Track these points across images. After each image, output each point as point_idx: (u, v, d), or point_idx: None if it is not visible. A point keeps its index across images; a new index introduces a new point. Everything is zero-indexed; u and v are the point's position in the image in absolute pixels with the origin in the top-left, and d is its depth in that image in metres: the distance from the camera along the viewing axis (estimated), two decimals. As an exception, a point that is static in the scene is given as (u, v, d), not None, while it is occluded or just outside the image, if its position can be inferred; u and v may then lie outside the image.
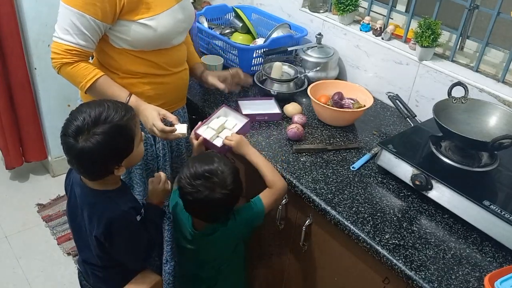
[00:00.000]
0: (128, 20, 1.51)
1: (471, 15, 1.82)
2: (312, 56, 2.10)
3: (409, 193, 1.53)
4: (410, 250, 1.32)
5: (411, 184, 1.50)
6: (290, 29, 2.27)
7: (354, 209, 1.45)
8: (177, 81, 1.72)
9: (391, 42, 2.03)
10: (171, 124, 1.53)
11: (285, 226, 1.70)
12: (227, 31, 2.36)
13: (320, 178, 1.57)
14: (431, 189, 1.46)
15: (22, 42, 2.54)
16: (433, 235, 1.38)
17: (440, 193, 1.44)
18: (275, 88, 1.99)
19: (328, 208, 1.45)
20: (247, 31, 2.32)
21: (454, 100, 1.63)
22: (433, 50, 1.88)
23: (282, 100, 1.95)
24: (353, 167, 1.63)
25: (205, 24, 2.33)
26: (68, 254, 2.47)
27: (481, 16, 1.88)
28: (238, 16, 2.33)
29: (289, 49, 2.15)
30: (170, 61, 1.65)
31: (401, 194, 1.53)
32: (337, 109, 1.82)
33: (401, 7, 2.12)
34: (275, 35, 2.21)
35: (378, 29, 2.06)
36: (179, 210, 1.54)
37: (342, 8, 2.12)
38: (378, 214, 1.44)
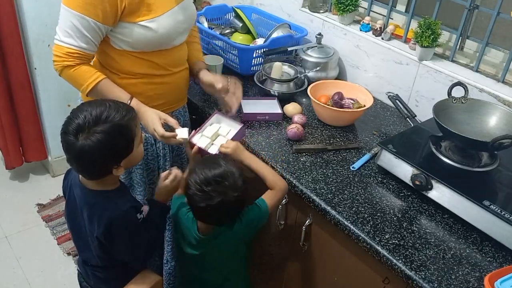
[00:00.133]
0: (129, 22, 1.51)
1: (471, 15, 1.82)
2: (312, 56, 2.10)
3: (409, 193, 1.53)
4: (410, 250, 1.32)
5: (411, 184, 1.50)
6: (290, 29, 2.27)
7: (354, 209, 1.45)
8: (177, 81, 1.72)
9: (391, 42, 2.03)
10: (172, 129, 1.53)
11: (285, 226, 1.70)
12: (227, 31, 2.36)
13: (320, 178, 1.57)
14: (431, 189, 1.46)
15: (22, 42, 2.54)
16: (433, 235, 1.38)
17: (440, 193, 1.44)
18: (275, 88, 2.00)
19: (328, 208, 1.45)
20: (247, 31, 2.32)
21: (454, 100, 1.63)
22: (433, 50, 1.88)
23: (282, 100, 1.95)
24: (353, 167, 1.63)
25: (205, 24, 2.33)
26: (68, 254, 2.47)
27: (481, 16, 1.88)
28: (238, 16, 2.33)
29: (289, 49, 2.15)
30: (170, 62, 1.66)
31: (401, 194, 1.53)
32: (337, 109, 1.82)
33: (401, 7, 2.12)
34: (275, 35, 2.21)
35: (378, 29, 2.06)
36: (182, 216, 1.52)
37: (342, 8, 2.12)
38: (378, 214, 1.44)
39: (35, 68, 2.60)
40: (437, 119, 1.52)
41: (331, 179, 1.57)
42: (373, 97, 1.87)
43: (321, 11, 2.29)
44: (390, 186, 1.56)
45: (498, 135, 1.41)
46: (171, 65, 1.66)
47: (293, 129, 1.73)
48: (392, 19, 2.14)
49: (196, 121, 1.89)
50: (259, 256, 1.87)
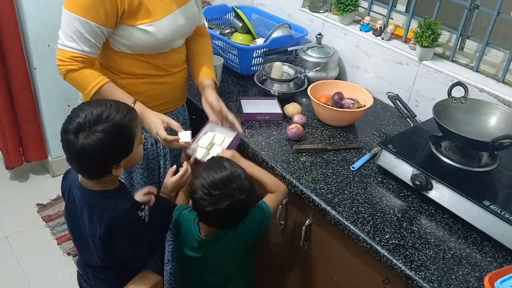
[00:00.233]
0: (128, 25, 1.51)
1: (471, 15, 1.82)
2: (312, 56, 2.10)
3: (409, 193, 1.53)
4: (410, 250, 1.32)
5: (411, 184, 1.50)
6: (290, 29, 2.27)
7: (354, 209, 1.45)
8: (177, 81, 1.72)
9: (391, 42, 2.03)
10: (175, 132, 1.53)
11: (285, 226, 1.70)
12: (227, 31, 2.36)
13: (320, 178, 1.57)
14: (431, 189, 1.46)
15: (22, 42, 2.54)
16: (433, 235, 1.38)
17: (440, 193, 1.44)
18: (275, 88, 2.00)
19: (328, 208, 1.45)
20: (247, 31, 2.32)
21: (454, 100, 1.63)
22: (433, 50, 1.88)
23: (282, 100, 1.95)
24: (353, 167, 1.63)
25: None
26: (68, 254, 2.47)
27: (481, 16, 1.88)
28: (238, 16, 2.33)
29: (289, 49, 2.15)
30: (169, 63, 1.66)
31: (401, 194, 1.53)
32: (337, 109, 1.82)
33: (401, 7, 2.12)
34: (275, 35, 2.21)
35: (378, 29, 2.06)
36: (183, 218, 1.52)
37: (342, 8, 2.12)
38: (378, 214, 1.44)
39: (35, 68, 2.60)
40: (437, 119, 1.52)
41: (331, 179, 1.57)
42: (373, 97, 1.87)
43: (321, 11, 2.29)
44: (390, 186, 1.56)
45: (498, 135, 1.41)
46: (170, 66, 1.66)
47: (293, 129, 1.73)
48: (392, 19, 2.14)
49: (196, 121, 1.89)
50: (259, 256, 1.87)
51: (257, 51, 2.12)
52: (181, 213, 1.53)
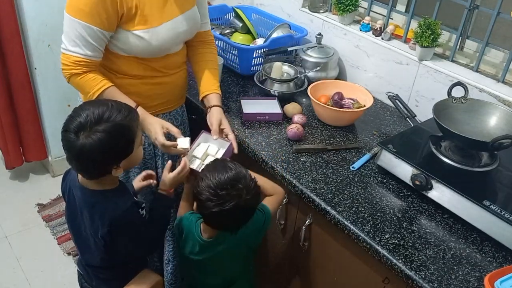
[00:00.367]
0: (124, 29, 1.52)
1: (471, 15, 1.82)
2: (312, 56, 2.10)
3: (409, 193, 1.53)
4: (410, 250, 1.32)
5: (411, 184, 1.50)
6: (290, 29, 2.27)
7: (354, 209, 1.45)
8: (175, 81, 1.72)
9: (391, 42, 2.03)
10: (175, 138, 1.54)
11: (285, 226, 1.70)
12: (227, 31, 2.36)
13: (320, 178, 1.57)
14: (431, 189, 1.46)
15: (22, 42, 2.54)
16: (433, 235, 1.38)
17: (440, 193, 1.44)
18: (275, 88, 2.00)
19: (328, 208, 1.45)
20: (247, 31, 2.32)
21: (454, 100, 1.63)
22: (433, 50, 1.88)
23: (282, 100, 1.95)
24: (353, 167, 1.63)
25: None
26: (68, 254, 2.47)
27: (481, 16, 1.88)
28: (238, 16, 2.33)
29: (289, 49, 2.15)
30: (166, 65, 1.65)
31: (401, 194, 1.53)
32: (337, 109, 1.82)
33: (401, 7, 2.12)
34: (275, 35, 2.21)
35: (378, 29, 2.06)
36: (185, 221, 1.51)
37: (342, 8, 2.12)
38: (378, 214, 1.44)
39: (35, 68, 2.60)
40: (437, 119, 1.52)
41: (331, 179, 1.58)
42: (373, 97, 1.87)
43: (321, 11, 2.29)
44: (390, 186, 1.56)
45: (498, 135, 1.41)
46: (167, 68, 1.66)
47: (293, 129, 1.73)
48: (392, 19, 2.14)
49: (195, 121, 1.89)
50: (259, 256, 1.87)
51: (257, 51, 2.12)
52: (183, 216, 1.53)
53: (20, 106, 2.70)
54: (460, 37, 1.86)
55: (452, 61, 1.90)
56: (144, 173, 1.60)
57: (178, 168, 1.47)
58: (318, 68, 2.07)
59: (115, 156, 1.30)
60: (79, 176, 1.37)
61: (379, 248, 1.32)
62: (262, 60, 2.14)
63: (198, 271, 1.57)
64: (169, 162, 1.51)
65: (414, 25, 1.93)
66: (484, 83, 1.76)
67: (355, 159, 1.68)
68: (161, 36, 1.55)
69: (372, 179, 1.59)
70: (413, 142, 1.66)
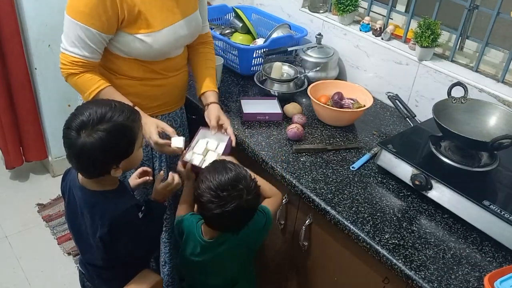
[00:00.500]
0: (125, 32, 1.52)
1: (471, 15, 1.82)
2: (312, 56, 2.10)
3: (409, 193, 1.53)
4: (410, 250, 1.32)
5: (411, 184, 1.50)
6: (290, 29, 2.28)
7: (354, 209, 1.45)
8: (175, 83, 1.72)
9: (391, 42, 2.03)
10: (169, 137, 1.53)
11: (285, 226, 1.70)
12: (227, 31, 2.36)
13: (320, 178, 1.57)
14: (431, 189, 1.46)
15: (22, 42, 2.54)
16: (433, 235, 1.38)
17: (440, 193, 1.44)
18: (275, 88, 2.00)
19: (328, 208, 1.45)
20: (247, 31, 2.32)
21: (454, 100, 1.63)
22: (432, 50, 1.88)
23: (282, 100, 1.95)
24: (353, 167, 1.63)
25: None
26: (68, 254, 2.48)
27: (481, 16, 1.88)
28: (238, 16, 2.33)
29: (289, 49, 2.15)
30: (167, 68, 1.65)
31: (401, 194, 1.53)
32: (337, 109, 1.82)
33: (401, 7, 2.12)
34: (275, 35, 2.21)
35: (378, 29, 2.06)
36: (186, 222, 1.51)
37: (342, 8, 2.12)
38: (378, 214, 1.44)
39: (35, 68, 2.60)
40: (437, 119, 1.52)
41: (331, 179, 1.58)
42: (373, 97, 1.87)
43: (321, 11, 2.29)
44: (390, 186, 1.56)
45: (498, 135, 1.41)
46: (167, 70, 1.66)
47: (293, 129, 1.73)
48: (392, 19, 2.14)
49: (195, 121, 1.89)
50: (259, 256, 1.87)
51: (257, 51, 2.12)
52: (184, 217, 1.53)
53: (20, 106, 2.70)
54: (460, 37, 1.87)
55: (452, 61, 1.90)
56: (140, 169, 1.60)
57: (164, 184, 1.48)
58: (318, 68, 2.07)
59: (116, 156, 1.30)
60: (80, 176, 1.37)
61: (379, 248, 1.32)
62: (262, 60, 2.14)
63: (199, 272, 1.57)
64: (161, 172, 1.52)
65: (414, 25, 1.94)
66: (484, 83, 1.76)
67: (355, 159, 1.68)
68: (162, 40, 1.55)
69: (372, 179, 1.59)
70: (413, 142, 1.66)
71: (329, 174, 1.60)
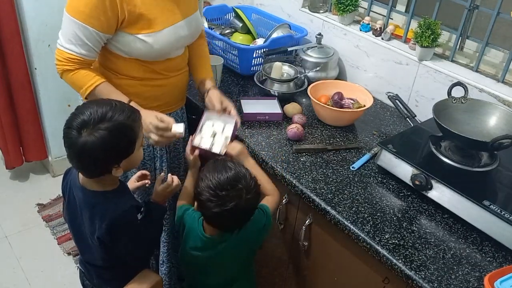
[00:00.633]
0: (126, 32, 1.52)
1: (471, 15, 1.82)
2: (312, 56, 2.10)
3: (409, 193, 1.53)
4: (410, 250, 1.32)
5: (411, 184, 1.50)
6: (290, 29, 2.28)
7: (354, 209, 1.45)
8: (176, 84, 1.72)
9: (391, 42, 2.03)
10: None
11: (285, 226, 1.70)
12: (227, 31, 2.36)
13: (320, 178, 1.57)
14: (431, 189, 1.46)
15: (22, 42, 2.54)
16: (433, 235, 1.38)
17: (440, 193, 1.44)
18: (275, 88, 2.00)
19: (328, 208, 1.45)
20: (247, 31, 2.32)
21: (454, 100, 1.63)
22: (433, 50, 1.88)
23: (282, 100, 1.95)
24: (353, 167, 1.63)
25: (205, 24, 2.33)
26: (68, 254, 2.48)
27: (481, 16, 1.88)
28: (238, 16, 2.33)
29: (289, 49, 2.15)
30: (167, 68, 1.65)
31: (401, 194, 1.53)
32: (337, 109, 1.82)
33: (401, 7, 2.12)
34: (275, 35, 2.21)
35: (378, 29, 2.06)
36: (187, 218, 1.51)
37: (342, 8, 2.12)
38: (378, 214, 1.44)
39: (35, 68, 2.60)
40: (437, 119, 1.52)
41: (331, 179, 1.58)
42: (373, 97, 1.87)
43: (321, 11, 2.29)
44: (390, 186, 1.56)
45: (498, 135, 1.41)
46: (168, 70, 1.66)
47: (293, 129, 1.73)
48: (392, 19, 2.14)
49: (195, 121, 1.89)
50: (259, 256, 1.87)
51: (257, 51, 2.12)
52: (185, 212, 1.53)
53: (20, 106, 2.70)
54: (460, 37, 1.87)
55: (452, 61, 1.90)
56: (139, 173, 1.60)
57: (164, 185, 1.48)
58: (318, 68, 2.07)
59: (116, 155, 1.30)
60: (80, 176, 1.37)
61: (379, 248, 1.32)
62: (262, 60, 2.14)
63: (199, 272, 1.57)
64: (162, 174, 1.52)
65: (414, 25, 1.94)
66: (484, 83, 1.76)
67: (355, 159, 1.68)
68: (163, 40, 1.55)
69: (372, 179, 1.59)
70: (413, 142, 1.66)
71: (329, 174, 1.60)
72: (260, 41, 2.22)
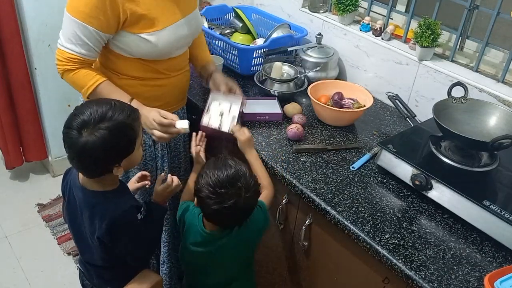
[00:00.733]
0: (129, 32, 1.52)
1: (471, 15, 1.82)
2: (312, 56, 2.10)
3: (409, 193, 1.53)
4: (410, 250, 1.32)
5: (411, 184, 1.50)
6: (290, 29, 2.28)
7: (354, 209, 1.45)
8: (177, 83, 1.72)
9: (391, 42, 2.03)
10: None
11: (285, 226, 1.70)
12: (227, 31, 2.36)
13: (320, 178, 1.57)
14: (431, 189, 1.46)
15: (22, 42, 2.54)
16: (433, 235, 1.38)
17: (440, 193, 1.44)
18: (275, 88, 2.00)
19: (328, 208, 1.45)
20: (247, 31, 2.32)
21: (454, 100, 1.63)
22: (433, 50, 1.88)
23: (282, 100, 1.95)
24: (353, 167, 1.63)
25: (205, 24, 2.34)
26: (68, 254, 2.48)
27: (481, 16, 1.88)
28: (238, 16, 2.33)
29: (289, 49, 2.15)
30: (169, 67, 1.66)
31: (401, 194, 1.53)
32: (337, 109, 1.82)
33: (401, 7, 2.12)
34: (275, 35, 2.21)
35: (378, 29, 2.06)
36: (188, 213, 1.52)
37: (342, 8, 2.12)
38: (378, 214, 1.44)
39: (35, 68, 2.60)
40: (437, 119, 1.52)
41: (331, 179, 1.58)
42: (373, 97, 1.87)
43: (321, 11, 2.29)
44: (390, 186, 1.56)
45: (498, 135, 1.41)
46: (170, 69, 1.66)
47: (293, 129, 1.73)
48: (392, 19, 2.14)
49: (196, 121, 1.89)
50: (259, 256, 1.87)
51: (257, 51, 2.12)
52: (185, 209, 1.54)
53: (20, 106, 2.70)
54: (460, 37, 1.87)
55: (452, 61, 1.90)
56: (139, 173, 1.60)
57: (164, 185, 1.48)
58: (318, 68, 2.07)
59: (117, 154, 1.30)
60: (80, 176, 1.37)
61: (379, 248, 1.32)
62: (262, 60, 2.14)
63: (199, 272, 1.57)
64: (162, 174, 1.52)
65: (414, 25, 1.94)
66: (484, 83, 1.76)
67: (355, 159, 1.68)
68: (165, 38, 1.55)
69: (372, 179, 1.59)
70: (413, 142, 1.66)
71: (329, 174, 1.60)
72: (260, 41, 2.22)
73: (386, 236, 1.36)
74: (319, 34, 2.13)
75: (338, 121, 1.85)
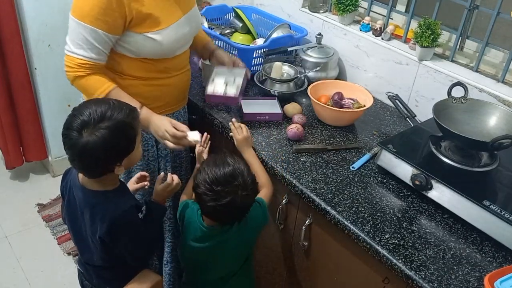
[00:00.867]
0: (134, 32, 1.52)
1: (471, 15, 1.82)
2: (312, 56, 2.10)
3: (409, 193, 1.53)
4: (410, 250, 1.32)
5: (411, 184, 1.50)
6: (290, 29, 2.27)
7: (354, 209, 1.45)
8: (178, 83, 1.72)
9: (391, 42, 2.03)
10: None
11: (285, 226, 1.70)
12: (227, 31, 2.36)
13: (320, 178, 1.57)
14: (431, 189, 1.46)
15: (22, 42, 2.54)
16: (433, 235, 1.38)
17: (440, 193, 1.44)
18: (275, 88, 2.00)
19: (328, 208, 1.45)
20: (247, 31, 2.32)
21: (454, 100, 1.63)
22: (433, 50, 1.88)
23: (282, 100, 1.95)
24: (353, 167, 1.63)
25: (205, 24, 2.34)
26: (68, 254, 2.48)
27: (481, 16, 1.88)
28: (238, 16, 2.33)
29: (289, 49, 2.15)
30: (171, 66, 1.66)
31: (401, 194, 1.53)
32: (337, 109, 1.82)
33: (401, 7, 2.12)
34: (275, 35, 2.21)
35: (378, 29, 2.06)
36: (187, 209, 1.53)
37: (342, 8, 2.12)
38: (378, 214, 1.44)
39: (35, 68, 2.60)
40: (437, 119, 1.52)
41: (331, 179, 1.58)
42: (373, 97, 1.87)
43: (321, 11, 2.29)
44: (390, 186, 1.56)
45: (498, 135, 1.41)
46: (172, 68, 1.67)
47: (293, 129, 1.73)
48: (392, 19, 2.14)
49: (196, 121, 1.89)
50: (259, 256, 1.88)
51: (257, 51, 2.12)
52: (185, 205, 1.54)
53: (20, 106, 2.70)
54: (460, 37, 1.87)
55: (452, 61, 1.90)
56: (138, 174, 1.60)
57: (164, 184, 1.48)
58: (318, 68, 2.07)
59: (117, 154, 1.30)
60: (80, 176, 1.37)
61: (379, 248, 1.32)
62: (262, 60, 2.14)
63: (199, 268, 1.57)
64: (161, 174, 1.53)
65: (414, 25, 1.93)
66: (484, 83, 1.76)
67: (355, 159, 1.68)
68: (170, 36, 1.56)
69: (372, 179, 1.59)
70: (413, 142, 1.66)
71: (329, 174, 1.60)
72: (260, 41, 2.22)
73: (386, 236, 1.36)
74: (319, 34, 2.13)
75: (338, 121, 1.85)
